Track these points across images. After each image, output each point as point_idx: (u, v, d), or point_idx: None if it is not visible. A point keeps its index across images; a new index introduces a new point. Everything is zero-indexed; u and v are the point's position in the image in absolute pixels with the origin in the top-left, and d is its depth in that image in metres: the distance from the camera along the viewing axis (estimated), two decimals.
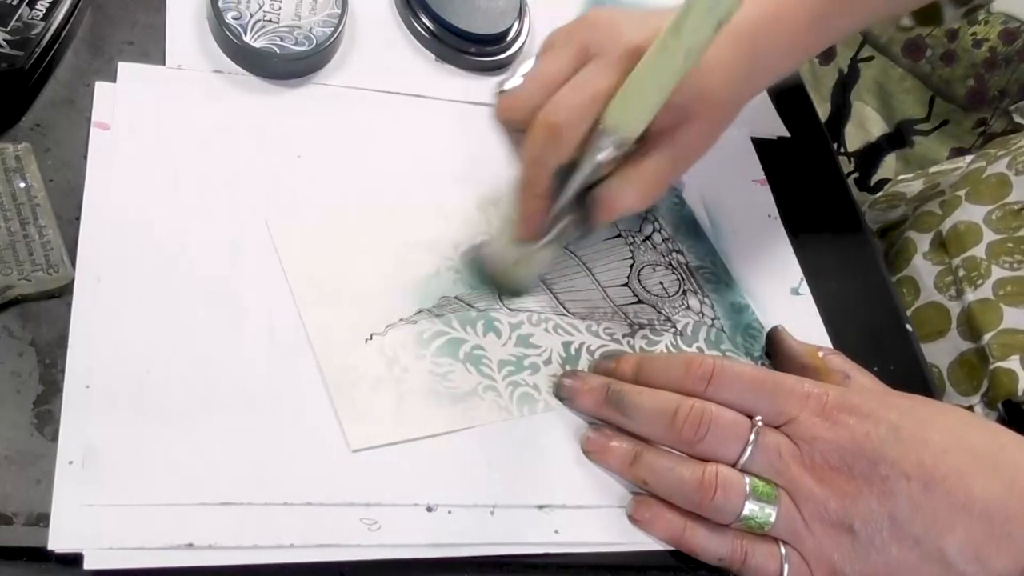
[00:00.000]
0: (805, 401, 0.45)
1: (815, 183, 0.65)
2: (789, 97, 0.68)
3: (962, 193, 0.69)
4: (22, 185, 0.46)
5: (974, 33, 1.02)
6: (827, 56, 1.13)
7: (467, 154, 0.49)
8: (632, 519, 0.45)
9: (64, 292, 0.44)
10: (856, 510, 0.42)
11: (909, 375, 0.57)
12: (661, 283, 0.55)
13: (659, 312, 0.54)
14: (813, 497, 0.43)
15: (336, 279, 0.49)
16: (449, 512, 0.43)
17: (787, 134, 0.66)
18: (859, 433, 0.43)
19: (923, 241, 0.70)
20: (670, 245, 0.57)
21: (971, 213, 0.67)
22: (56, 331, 0.43)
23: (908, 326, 0.60)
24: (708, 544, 0.44)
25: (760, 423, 0.45)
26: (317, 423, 0.44)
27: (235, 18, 0.53)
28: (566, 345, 0.51)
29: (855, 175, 1.14)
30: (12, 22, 0.48)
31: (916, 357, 0.58)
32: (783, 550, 0.44)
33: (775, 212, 0.62)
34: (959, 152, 1.06)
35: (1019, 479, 0.43)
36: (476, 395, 0.47)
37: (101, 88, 0.51)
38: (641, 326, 0.53)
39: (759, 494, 0.43)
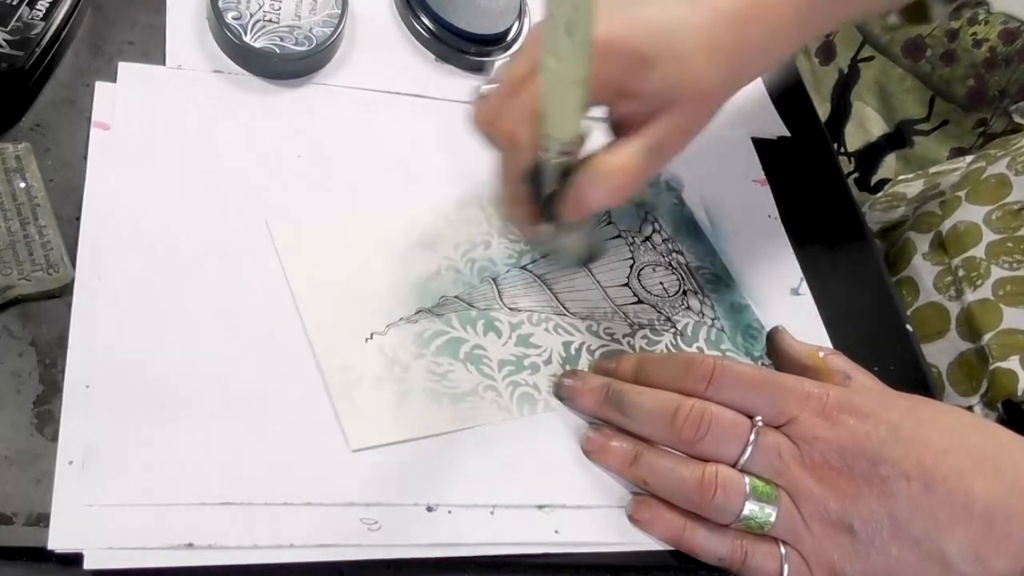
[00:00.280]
0: (805, 401, 0.45)
1: (815, 183, 0.65)
2: (789, 97, 0.68)
3: (962, 193, 0.69)
4: (22, 185, 0.46)
5: (974, 33, 1.02)
6: (827, 56, 1.13)
7: (467, 154, 0.49)
8: (632, 519, 0.45)
9: (64, 292, 0.44)
10: (856, 510, 0.42)
11: (909, 375, 0.57)
12: (661, 283, 0.55)
13: (659, 312, 0.54)
14: (813, 497, 0.43)
15: (336, 279, 0.49)
16: (449, 512, 0.43)
17: (787, 134, 0.66)
18: (859, 433, 0.43)
19: (923, 241, 0.70)
20: (670, 245, 0.57)
21: (971, 213, 0.67)
22: (56, 331, 0.43)
23: (908, 326, 0.60)
24: (708, 544, 0.44)
25: (760, 423, 0.45)
26: (317, 423, 0.44)
27: (235, 18, 0.53)
28: (566, 345, 0.51)
29: (855, 175, 1.14)
30: (12, 22, 0.48)
31: (916, 357, 0.58)
32: (783, 550, 0.44)
33: (775, 212, 0.62)
34: (959, 152, 1.06)
35: (1019, 479, 0.43)
36: (476, 395, 0.47)
37: (101, 88, 0.51)
38: (641, 326, 0.53)
39: (759, 494, 0.43)
